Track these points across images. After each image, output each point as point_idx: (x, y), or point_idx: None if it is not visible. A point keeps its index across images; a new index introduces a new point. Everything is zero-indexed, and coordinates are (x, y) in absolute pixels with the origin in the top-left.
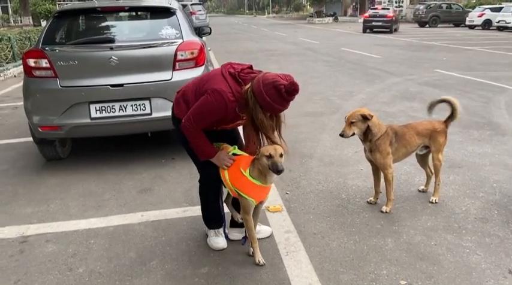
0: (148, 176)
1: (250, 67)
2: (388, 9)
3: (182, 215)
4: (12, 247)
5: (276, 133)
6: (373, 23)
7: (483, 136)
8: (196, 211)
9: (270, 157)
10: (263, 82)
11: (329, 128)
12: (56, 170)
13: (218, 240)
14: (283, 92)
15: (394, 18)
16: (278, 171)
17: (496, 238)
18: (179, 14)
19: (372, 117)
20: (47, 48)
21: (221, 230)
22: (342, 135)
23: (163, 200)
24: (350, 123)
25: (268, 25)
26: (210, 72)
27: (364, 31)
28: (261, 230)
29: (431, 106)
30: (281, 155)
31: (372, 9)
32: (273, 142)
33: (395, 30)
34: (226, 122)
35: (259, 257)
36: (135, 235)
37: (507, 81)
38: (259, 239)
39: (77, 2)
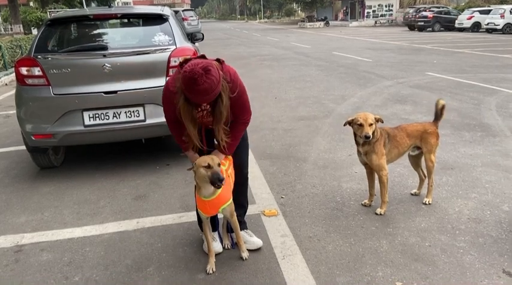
0: (143, 183)
1: (202, 56)
2: (433, 10)
3: (178, 221)
4: (7, 257)
5: (220, 129)
6: (418, 23)
7: (474, 138)
8: (192, 216)
9: (208, 167)
10: (184, 69)
11: (323, 132)
12: (49, 178)
13: (213, 244)
14: (184, 79)
15: (430, 18)
16: (220, 180)
17: (489, 238)
18: (172, 21)
19: (382, 121)
20: (39, 56)
21: (216, 234)
22: (368, 137)
23: (158, 207)
24: (369, 124)
25: (260, 30)
26: None
27: (420, 30)
28: (248, 241)
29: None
30: (219, 165)
31: (419, 11)
32: (193, 136)
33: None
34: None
35: (209, 268)
36: (131, 242)
37: (497, 83)
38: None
39: (69, 10)
